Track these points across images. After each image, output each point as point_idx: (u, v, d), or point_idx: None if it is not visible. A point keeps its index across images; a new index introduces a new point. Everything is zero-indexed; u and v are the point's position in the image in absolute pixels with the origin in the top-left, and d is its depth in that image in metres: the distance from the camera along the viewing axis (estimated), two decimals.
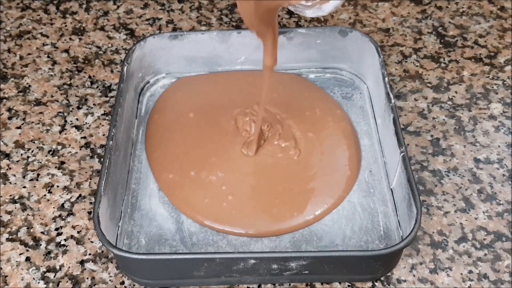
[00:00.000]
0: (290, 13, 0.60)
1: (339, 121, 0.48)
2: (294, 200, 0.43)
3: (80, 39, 0.57)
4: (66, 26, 0.59)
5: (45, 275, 0.39)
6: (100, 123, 0.49)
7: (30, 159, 0.46)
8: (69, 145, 0.47)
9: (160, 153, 0.46)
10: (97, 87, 0.52)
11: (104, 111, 0.50)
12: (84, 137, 0.48)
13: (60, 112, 0.50)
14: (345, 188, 0.43)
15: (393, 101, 0.43)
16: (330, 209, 0.42)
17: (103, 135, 0.48)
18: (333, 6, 0.35)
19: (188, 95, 0.51)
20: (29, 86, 0.52)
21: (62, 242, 0.41)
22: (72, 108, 0.50)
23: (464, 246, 0.40)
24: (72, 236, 0.41)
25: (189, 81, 0.52)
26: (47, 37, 0.57)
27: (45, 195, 0.44)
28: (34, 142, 0.48)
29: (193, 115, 0.49)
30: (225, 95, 0.50)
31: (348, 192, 0.43)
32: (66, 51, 0.56)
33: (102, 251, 0.40)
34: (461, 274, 0.39)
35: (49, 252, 0.40)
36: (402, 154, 0.40)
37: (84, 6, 0.61)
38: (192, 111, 0.49)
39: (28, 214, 0.43)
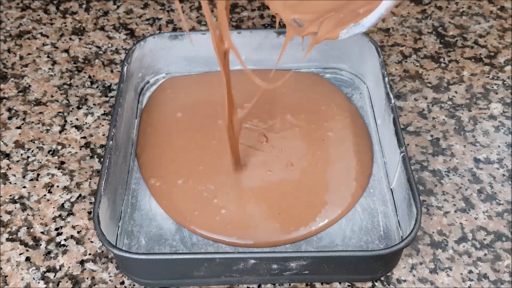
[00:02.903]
0: None
1: (354, 119, 0.47)
2: (301, 214, 0.41)
3: (80, 39, 0.57)
4: (66, 26, 0.59)
5: (45, 275, 0.39)
6: (100, 123, 0.49)
7: (30, 159, 0.46)
8: (69, 145, 0.47)
9: (147, 157, 0.45)
10: (97, 87, 0.52)
11: (104, 111, 0.50)
12: (84, 137, 0.48)
13: (60, 112, 0.50)
14: (357, 195, 0.42)
15: (393, 101, 0.43)
16: (337, 218, 0.41)
17: (103, 135, 0.48)
18: (376, 17, 0.28)
19: (178, 94, 0.50)
20: (29, 86, 0.52)
21: (62, 242, 0.41)
22: (72, 108, 0.50)
23: (464, 246, 0.40)
24: (72, 236, 0.41)
25: (179, 81, 0.51)
26: (47, 37, 0.57)
27: (45, 195, 0.44)
28: (34, 142, 0.48)
29: (181, 115, 0.48)
30: (215, 95, 0.50)
31: (359, 199, 0.42)
32: (66, 51, 0.56)
33: (102, 251, 0.40)
34: (461, 274, 0.39)
35: (49, 252, 0.40)
36: (402, 154, 0.40)
37: (84, 6, 0.61)
38: (180, 111, 0.48)
39: (28, 214, 0.43)
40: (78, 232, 0.42)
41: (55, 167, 0.46)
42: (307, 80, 0.51)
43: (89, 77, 0.53)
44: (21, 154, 0.47)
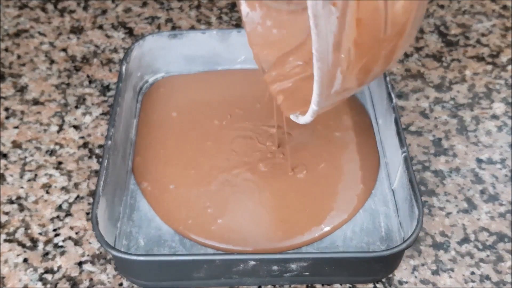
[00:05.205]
0: None
1: (361, 118, 0.46)
2: (305, 221, 0.39)
3: (78, 38, 0.57)
4: (64, 25, 0.58)
5: (42, 276, 0.39)
6: (99, 123, 0.49)
7: (27, 159, 0.46)
8: (67, 145, 0.47)
9: (141, 159, 0.44)
10: (96, 86, 0.52)
11: (103, 110, 0.50)
12: (82, 137, 0.48)
13: (58, 111, 0.50)
14: (363, 200, 0.41)
15: (394, 100, 0.43)
16: (342, 223, 0.40)
17: (102, 135, 0.48)
18: (310, 117, 0.32)
19: (174, 94, 0.49)
20: (27, 85, 0.52)
21: (60, 243, 0.41)
22: (70, 108, 0.50)
23: (466, 247, 0.40)
24: (70, 237, 0.41)
25: (176, 80, 0.51)
26: (45, 36, 0.57)
27: (42, 195, 0.43)
28: (31, 142, 0.47)
29: (176, 115, 0.47)
30: (211, 95, 0.49)
31: (365, 203, 0.41)
32: (64, 50, 0.56)
33: (101, 252, 0.40)
34: (463, 275, 0.39)
35: (47, 253, 0.40)
36: (403, 154, 0.40)
37: (82, 4, 0.61)
38: (175, 111, 0.47)
39: (25, 215, 0.42)
40: (76, 233, 0.41)
41: (53, 168, 0.45)
42: None
43: (87, 76, 0.53)
44: (19, 154, 0.46)
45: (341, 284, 0.38)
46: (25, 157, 0.46)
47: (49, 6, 0.60)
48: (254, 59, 0.39)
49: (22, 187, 0.44)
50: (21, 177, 0.45)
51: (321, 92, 0.27)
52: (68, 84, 0.52)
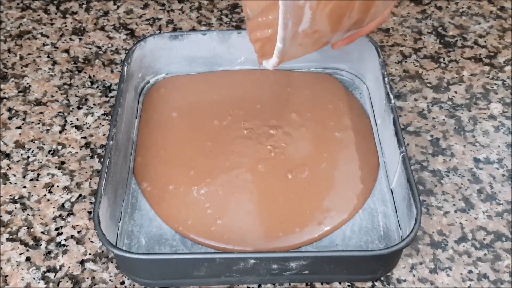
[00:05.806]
0: None
1: (361, 119, 0.47)
2: (305, 222, 0.39)
3: (80, 39, 0.57)
4: (66, 26, 0.59)
5: (45, 275, 0.39)
6: (100, 123, 0.49)
7: (30, 159, 0.46)
8: (69, 145, 0.47)
9: (141, 159, 0.44)
10: (97, 87, 0.52)
11: (104, 111, 0.50)
12: (84, 137, 0.48)
13: (60, 112, 0.50)
14: (363, 199, 0.41)
15: (393, 101, 0.43)
16: (342, 223, 0.40)
17: (103, 135, 0.48)
18: (276, 57, 0.31)
19: (174, 94, 0.49)
20: (29, 86, 0.52)
21: (62, 242, 0.41)
22: (72, 108, 0.50)
23: (464, 246, 0.40)
24: (72, 236, 0.41)
25: (176, 80, 0.51)
26: (47, 37, 0.57)
27: (45, 195, 0.44)
28: (34, 142, 0.48)
29: (176, 115, 0.47)
30: (211, 96, 0.49)
31: (364, 202, 0.41)
32: (66, 51, 0.56)
33: (102, 251, 0.40)
34: (461, 274, 0.39)
35: (49, 252, 0.40)
36: (402, 154, 0.40)
37: (84, 6, 0.61)
38: (175, 111, 0.47)
39: (28, 214, 0.43)
40: (78, 232, 0.42)
41: (55, 167, 0.46)
42: (313, 79, 0.51)
43: (89, 77, 0.53)
44: (21, 154, 0.47)
45: (340, 283, 0.39)
46: (28, 157, 0.46)
47: (52, 8, 0.61)
48: (241, 5, 0.37)
49: (24, 187, 0.44)
50: (24, 176, 0.45)
51: (285, 24, 0.25)
52: (70, 85, 0.52)
